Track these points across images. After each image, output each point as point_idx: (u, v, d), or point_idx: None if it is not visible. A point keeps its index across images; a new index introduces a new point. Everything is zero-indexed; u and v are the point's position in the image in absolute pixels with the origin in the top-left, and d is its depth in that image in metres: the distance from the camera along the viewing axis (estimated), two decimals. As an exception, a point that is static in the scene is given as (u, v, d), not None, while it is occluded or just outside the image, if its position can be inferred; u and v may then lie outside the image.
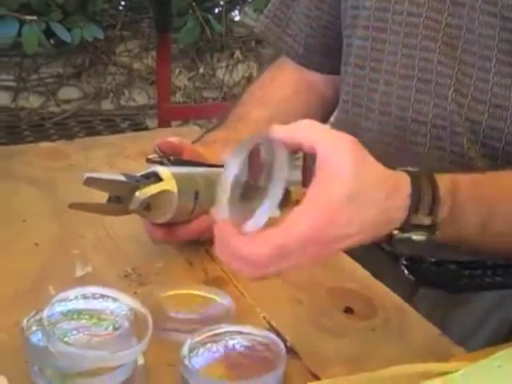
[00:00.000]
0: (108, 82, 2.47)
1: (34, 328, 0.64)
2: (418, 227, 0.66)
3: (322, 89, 1.05)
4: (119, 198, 0.78)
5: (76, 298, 0.65)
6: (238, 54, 2.59)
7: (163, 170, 0.79)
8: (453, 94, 0.82)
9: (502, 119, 0.81)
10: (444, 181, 0.68)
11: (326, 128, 0.64)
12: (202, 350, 0.66)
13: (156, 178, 0.79)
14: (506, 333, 0.87)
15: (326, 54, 1.02)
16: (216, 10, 2.49)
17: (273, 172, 0.63)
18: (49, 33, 2.12)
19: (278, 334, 0.72)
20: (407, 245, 0.67)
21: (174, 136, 1.26)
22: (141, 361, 0.64)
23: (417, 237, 0.66)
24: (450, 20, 0.82)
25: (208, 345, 0.66)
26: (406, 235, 0.66)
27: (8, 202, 1.01)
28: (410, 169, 0.68)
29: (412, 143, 0.86)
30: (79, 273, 0.83)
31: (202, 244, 0.88)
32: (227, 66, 2.60)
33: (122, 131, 2.10)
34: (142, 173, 0.79)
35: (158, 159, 0.83)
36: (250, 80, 2.64)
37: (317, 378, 0.67)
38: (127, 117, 2.36)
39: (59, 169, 1.13)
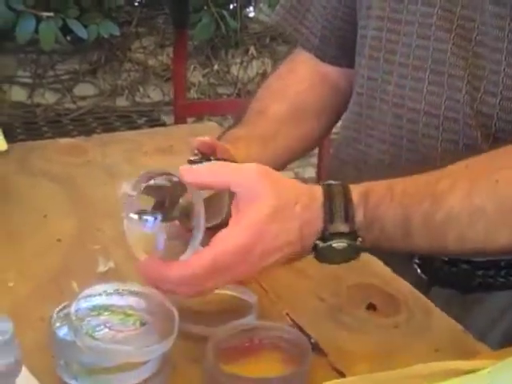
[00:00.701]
0: (123, 79, 2.47)
1: (60, 323, 0.65)
2: (338, 235, 0.67)
3: (336, 81, 1.04)
4: (163, 204, 0.75)
5: (103, 293, 0.65)
6: (252, 50, 2.58)
7: None
8: (466, 86, 0.82)
9: None
10: (357, 187, 0.69)
11: (235, 166, 0.69)
12: (226, 346, 0.66)
13: None
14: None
15: (341, 47, 1.02)
16: (231, 7, 2.49)
17: (193, 210, 0.67)
18: (65, 29, 2.12)
19: (302, 331, 0.72)
20: (332, 253, 0.68)
21: (191, 133, 1.28)
22: (166, 356, 0.64)
23: (337, 244, 0.67)
24: (464, 12, 0.82)
25: (233, 341, 0.67)
26: (326, 244, 0.67)
27: (28, 198, 1.02)
28: (329, 182, 0.70)
29: (424, 136, 0.86)
30: (102, 268, 0.84)
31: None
32: (242, 63, 2.60)
33: (139, 127, 2.10)
34: None
35: (199, 160, 0.83)
36: (264, 76, 2.64)
37: (342, 374, 0.67)
38: (143, 113, 2.36)
39: (77, 165, 1.14)
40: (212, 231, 0.75)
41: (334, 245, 0.67)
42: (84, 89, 2.46)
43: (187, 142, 1.21)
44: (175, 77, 2.07)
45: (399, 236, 0.69)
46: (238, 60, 2.59)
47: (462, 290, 0.87)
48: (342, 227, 0.67)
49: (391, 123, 0.88)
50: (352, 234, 0.68)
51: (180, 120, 2.01)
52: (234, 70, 2.60)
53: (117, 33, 2.17)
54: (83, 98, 2.45)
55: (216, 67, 2.56)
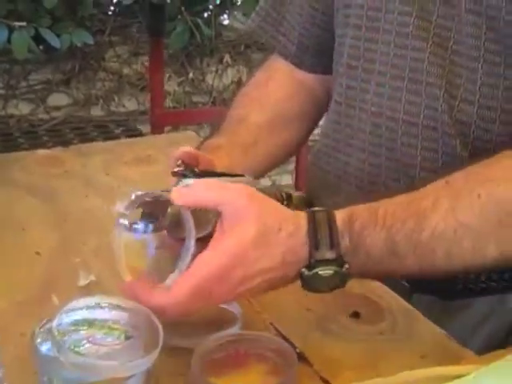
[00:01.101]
0: (98, 88, 2.45)
1: (42, 338, 0.64)
2: (325, 262, 0.67)
3: (313, 88, 1.05)
4: (152, 215, 0.75)
5: (85, 307, 0.64)
6: (227, 58, 2.58)
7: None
8: (444, 95, 0.82)
9: (492, 120, 0.81)
10: (339, 212, 0.70)
11: (225, 185, 0.69)
12: (211, 358, 0.66)
13: None
14: (502, 338, 0.87)
15: (318, 54, 1.02)
16: (205, 15, 2.48)
17: (184, 231, 0.68)
18: (38, 39, 2.10)
19: (287, 341, 0.71)
20: (319, 281, 0.68)
21: (169, 142, 1.28)
22: (151, 371, 0.64)
23: (324, 272, 0.67)
24: (440, 21, 0.82)
25: (218, 352, 0.66)
26: (312, 272, 0.67)
27: (7, 211, 1.01)
28: (313, 209, 0.70)
29: (403, 145, 0.86)
30: (83, 282, 0.83)
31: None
32: (217, 71, 2.60)
33: (117, 137, 2.09)
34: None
35: (183, 172, 0.82)
36: (239, 84, 2.64)
37: (327, 383, 0.67)
38: (119, 123, 2.35)
39: (56, 176, 1.12)
40: (200, 241, 0.76)
41: (320, 272, 0.67)
42: (58, 99, 2.44)
43: (166, 151, 1.23)
44: (152, 86, 2.06)
45: (386, 258, 0.69)
46: (213, 68, 2.59)
47: (444, 296, 0.88)
48: (328, 254, 0.67)
49: (370, 132, 0.89)
50: (338, 260, 0.67)
51: (157, 129, 2.00)
52: (209, 78, 2.60)
53: (90, 41, 2.15)
54: (57, 108, 2.43)
55: (191, 75, 2.55)
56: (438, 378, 0.63)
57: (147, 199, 0.71)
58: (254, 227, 0.66)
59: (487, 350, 0.75)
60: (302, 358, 0.70)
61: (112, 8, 2.43)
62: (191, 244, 0.67)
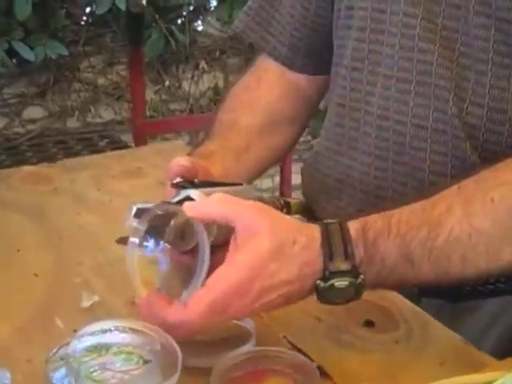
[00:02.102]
0: (73, 100, 2.41)
1: (54, 366, 0.61)
2: (340, 273, 0.67)
3: (305, 89, 1.03)
4: (155, 228, 0.73)
5: (100, 331, 0.62)
6: (203, 64, 2.56)
7: (196, 193, 0.76)
8: (453, 98, 0.82)
9: (501, 123, 0.81)
10: (353, 223, 0.69)
11: (237, 201, 0.68)
12: (230, 376, 0.64)
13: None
14: (512, 339, 0.87)
15: (309, 55, 1.01)
16: (179, 21, 2.46)
17: (198, 247, 0.67)
18: (11, 52, 2.07)
19: (303, 354, 0.70)
20: (334, 293, 0.67)
21: (158, 153, 1.25)
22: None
23: (339, 283, 0.67)
24: (446, 22, 0.81)
25: (237, 370, 0.64)
26: (328, 283, 0.67)
27: (-2, 231, 0.98)
28: (326, 221, 0.69)
29: (412, 148, 0.85)
30: (86, 303, 0.80)
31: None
32: (193, 77, 2.57)
33: (102, 150, 2.05)
34: (177, 199, 0.76)
35: (182, 184, 0.80)
36: (216, 90, 2.62)
37: (350, 396, 0.65)
38: (100, 134, 2.31)
39: (45, 193, 1.09)
40: (190, 254, 0.74)
41: (335, 284, 0.66)
42: (33, 112, 2.39)
43: (155, 163, 1.21)
44: (133, 96, 2.03)
45: (401, 267, 0.68)
46: (189, 75, 2.57)
47: (452, 299, 0.87)
48: (343, 265, 0.66)
49: (376, 135, 0.87)
50: (353, 272, 0.67)
51: (139, 139, 1.97)
52: (186, 85, 2.57)
53: (65, 53, 2.12)
54: (33, 120, 2.38)
55: (167, 83, 2.52)
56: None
57: (158, 213, 0.69)
58: (268, 241, 0.65)
59: (499, 351, 0.75)
60: (320, 371, 0.68)
61: (85, 18, 2.39)
62: (206, 258, 0.65)
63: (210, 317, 0.64)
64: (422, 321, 0.77)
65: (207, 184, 0.82)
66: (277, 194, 2.43)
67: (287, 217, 0.70)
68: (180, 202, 0.75)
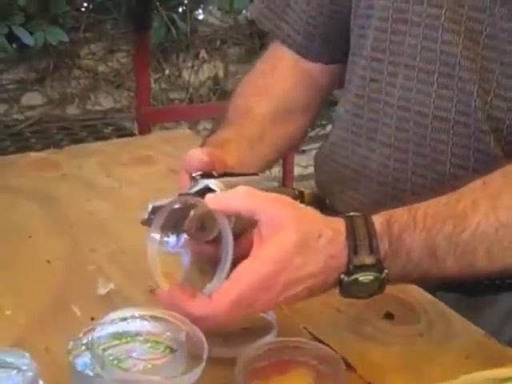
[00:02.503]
0: (73, 87, 2.39)
1: (76, 353, 0.60)
2: (364, 268, 0.66)
3: (318, 78, 1.02)
4: (176, 221, 0.72)
5: (124, 319, 0.61)
6: (203, 53, 2.54)
7: (216, 183, 0.74)
8: (478, 91, 0.81)
9: None
10: (377, 217, 0.68)
11: (261, 194, 0.67)
12: (254, 367, 0.63)
13: (211, 192, 0.75)
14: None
15: (324, 44, 0.99)
16: (180, 9, 2.44)
17: (221, 238, 0.66)
18: (11, 37, 2.04)
19: (325, 345, 0.69)
20: (358, 287, 0.67)
21: (166, 141, 1.24)
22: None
23: (363, 278, 0.66)
24: (471, 13, 0.80)
25: (261, 361, 0.63)
26: (352, 278, 0.66)
27: (9, 218, 0.96)
28: (349, 214, 0.69)
29: (433, 140, 0.85)
30: (102, 290, 0.79)
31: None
32: (193, 67, 2.56)
33: (107, 137, 2.03)
34: (195, 189, 0.75)
35: (201, 176, 0.79)
36: (216, 80, 2.61)
37: (376, 389, 0.65)
38: (98, 121, 2.29)
39: (53, 180, 1.08)
40: (210, 244, 0.73)
41: (360, 278, 0.66)
42: (32, 98, 2.37)
43: (164, 150, 1.19)
44: (138, 83, 2.00)
45: (426, 261, 0.68)
46: (189, 64, 2.55)
47: (469, 293, 0.86)
48: (367, 259, 0.66)
49: (396, 127, 0.86)
50: (378, 266, 0.66)
51: (143, 127, 1.95)
52: (186, 74, 2.56)
53: (65, 39, 2.10)
54: (32, 107, 2.36)
55: (167, 72, 2.50)
56: (492, 381, 0.61)
57: (177, 206, 0.68)
58: (293, 234, 0.64)
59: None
60: (344, 363, 0.67)
61: (85, 4, 2.37)
62: (230, 250, 0.64)
63: (236, 310, 0.63)
64: (442, 313, 0.76)
65: (225, 175, 0.81)
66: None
67: (311, 209, 0.69)
68: (199, 193, 0.74)
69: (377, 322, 0.75)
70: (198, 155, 0.79)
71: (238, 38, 2.59)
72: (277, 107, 0.99)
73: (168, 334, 0.60)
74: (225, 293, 0.62)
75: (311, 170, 3.22)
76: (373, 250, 0.66)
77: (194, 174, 0.78)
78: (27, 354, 0.56)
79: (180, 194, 0.74)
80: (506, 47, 0.78)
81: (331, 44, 0.99)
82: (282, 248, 0.64)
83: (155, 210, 0.70)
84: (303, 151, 2.56)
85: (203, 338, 0.60)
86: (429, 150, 0.84)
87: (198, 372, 0.58)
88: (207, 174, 0.79)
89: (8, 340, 0.69)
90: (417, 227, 0.68)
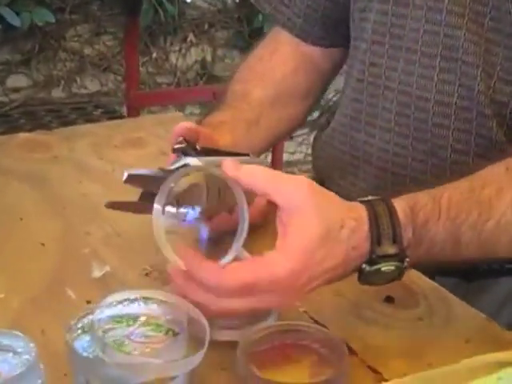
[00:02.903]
0: (58, 69, 2.35)
1: (75, 335, 0.59)
2: (387, 257, 0.65)
3: (319, 62, 1.01)
4: (153, 194, 0.71)
5: (124, 301, 0.59)
6: (191, 37, 2.51)
7: (196, 161, 0.74)
8: (481, 74, 0.80)
9: None
10: (400, 203, 0.66)
11: (281, 176, 0.64)
12: (256, 350, 0.62)
13: None
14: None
15: (325, 27, 0.98)
16: (168, -8, 2.40)
17: (238, 210, 0.64)
18: (-4, 17, 2.00)
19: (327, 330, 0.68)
20: (379, 276, 0.66)
21: (158, 123, 1.22)
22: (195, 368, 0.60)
23: (386, 268, 0.65)
24: None
25: (263, 344, 0.62)
26: (374, 267, 0.65)
27: (-1, 199, 0.94)
28: (368, 198, 0.67)
29: (434, 125, 0.84)
30: (97, 273, 0.78)
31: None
32: (180, 50, 2.53)
33: (96, 119, 2.01)
34: (175, 166, 0.74)
35: (184, 148, 0.78)
36: (203, 64, 2.58)
37: (378, 373, 0.64)
38: (86, 104, 2.26)
39: (44, 161, 1.06)
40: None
41: (382, 268, 0.65)
42: (17, 80, 2.33)
43: (156, 132, 1.18)
44: (127, 67, 1.98)
45: (449, 249, 0.67)
46: (177, 47, 2.52)
47: (467, 278, 0.86)
48: (390, 249, 0.64)
49: (397, 112, 0.86)
50: (400, 255, 0.65)
51: (133, 111, 1.92)
52: (173, 57, 2.53)
53: (52, 20, 2.07)
54: (16, 89, 2.32)
55: (155, 55, 2.47)
56: (493, 364, 0.60)
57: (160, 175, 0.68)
58: (317, 226, 0.62)
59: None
60: (346, 347, 0.66)
61: (72, -15, 2.33)
62: (246, 222, 0.63)
63: (243, 294, 0.61)
64: (442, 298, 0.76)
65: (210, 151, 0.80)
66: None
67: (332, 194, 0.66)
68: (177, 170, 0.74)
69: (377, 305, 0.74)
70: (182, 124, 0.78)
71: (226, 21, 2.56)
72: (276, 91, 0.98)
73: (169, 316, 0.59)
74: (238, 272, 0.60)
75: (299, 156, 3.22)
76: (396, 239, 0.65)
77: (175, 145, 0.77)
78: (24, 336, 0.55)
79: (159, 169, 0.73)
80: (511, 30, 0.77)
81: (332, 27, 0.98)
82: (308, 245, 0.62)
83: (130, 177, 0.70)
84: (291, 137, 2.55)
85: (205, 322, 0.59)
86: (430, 135, 0.84)
87: (200, 356, 0.57)
88: (190, 146, 0.78)
89: (2, 323, 0.68)
90: (441, 217, 0.67)
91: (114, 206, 0.74)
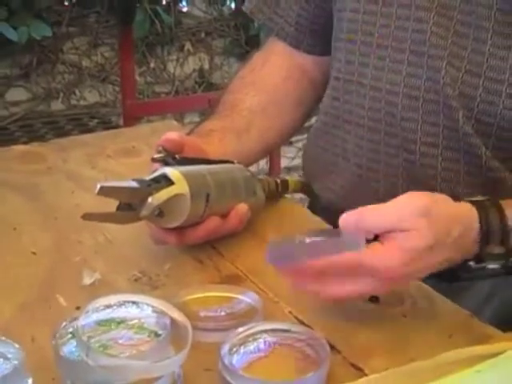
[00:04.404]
0: (57, 82, 2.38)
1: (63, 341, 0.60)
2: (492, 256, 0.70)
3: (311, 72, 1.03)
4: (130, 205, 0.73)
5: (108, 306, 0.61)
6: (188, 46, 2.53)
7: (173, 172, 0.75)
8: (446, 67, 0.81)
9: (498, 93, 0.80)
10: (509, 206, 0.71)
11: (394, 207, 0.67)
12: (241, 349, 0.63)
13: (166, 180, 0.75)
14: (507, 317, 0.87)
15: (316, 35, 1.00)
16: (164, 2, 2.43)
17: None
18: (-6, 33, 2.03)
19: (310, 329, 0.69)
20: (484, 273, 0.71)
21: (152, 133, 1.24)
22: (179, 369, 0.61)
23: (492, 265, 0.70)
24: None
25: (247, 344, 0.64)
26: (481, 265, 0.70)
27: (-8, 210, 0.96)
28: (477, 199, 0.71)
29: (403, 119, 0.85)
30: (87, 280, 0.79)
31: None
32: (178, 59, 2.55)
33: (92, 130, 2.03)
34: (152, 176, 0.75)
35: (163, 158, 0.79)
36: (201, 72, 2.60)
37: (360, 370, 0.65)
38: (84, 116, 2.28)
39: (38, 172, 1.08)
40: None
41: (489, 266, 0.69)
42: (16, 94, 2.36)
43: (149, 142, 1.19)
44: (123, 76, 2.00)
45: None
46: (174, 57, 2.54)
47: (448, 279, 0.87)
48: (497, 249, 0.69)
49: (369, 107, 0.87)
50: (507, 255, 0.70)
51: (129, 121, 1.94)
52: (171, 67, 2.55)
53: (49, 34, 2.10)
54: (16, 103, 2.35)
55: (152, 65, 2.50)
56: (473, 357, 0.62)
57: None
58: (428, 236, 0.65)
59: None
60: (329, 345, 0.68)
61: (69, -2, 2.36)
62: None
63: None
64: (426, 295, 0.77)
65: (189, 161, 0.81)
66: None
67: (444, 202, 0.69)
68: (155, 180, 0.75)
69: (361, 304, 0.75)
70: (166, 135, 0.80)
71: (222, 29, 2.59)
72: (266, 99, 0.99)
73: (152, 319, 0.61)
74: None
75: (298, 161, 3.23)
76: (504, 241, 0.69)
77: (155, 156, 0.79)
78: (13, 343, 0.56)
79: (134, 179, 0.74)
80: (482, 23, 0.79)
81: (323, 35, 0.99)
82: (417, 249, 0.65)
83: (103, 190, 0.72)
84: (290, 143, 2.56)
85: (188, 323, 0.60)
86: (399, 128, 0.85)
87: (183, 356, 0.59)
88: (169, 156, 0.80)
89: (-6, 331, 0.69)
90: None
91: (90, 217, 0.75)
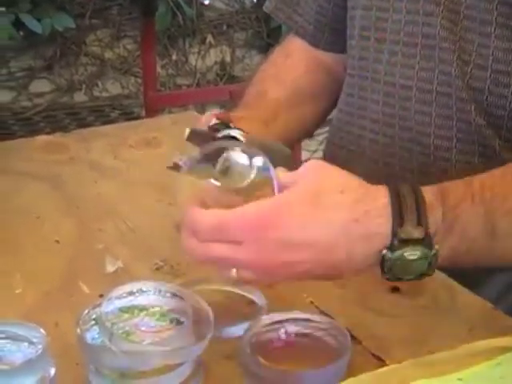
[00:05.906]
0: (80, 74, 2.40)
1: (86, 327, 0.61)
2: (410, 242, 0.59)
3: (331, 67, 1.03)
4: (208, 156, 0.71)
5: (131, 293, 0.61)
6: (210, 38, 2.54)
7: (237, 132, 0.75)
8: (457, 60, 0.81)
9: (505, 85, 0.80)
10: (428, 188, 0.62)
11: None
12: (262, 338, 0.63)
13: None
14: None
15: (335, 33, 1.00)
16: (186, -6, 2.43)
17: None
18: (17, 24, 2.05)
19: (331, 319, 0.69)
20: (404, 266, 0.60)
21: (173, 123, 1.25)
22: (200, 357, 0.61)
23: (411, 254, 0.59)
24: None
25: (268, 333, 0.64)
26: (397, 253, 0.59)
27: (16, 199, 0.97)
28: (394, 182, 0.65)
29: (417, 113, 0.85)
30: (110, 268, 0.80)
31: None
32: (199, 52, 2.55)
33: (114, 121, 2.04)
34: (221, 134, 0.75)
35: (217, 126, 0.79)
36: (223, 65, 2.61)
37: (381, 360, 0.65)
38: (114, 107, 2.29)
39: (61, 162, 1.09)
40: None
41: (406, 254, 0.58)
42: (40, 85, 2.38)
43: (171, 132, 1.20)
44: (144, 68, 2.01)
45: (481, 242, 0.62)
46: (196, 49, 2.55)
47: (460, 274, 0.86)
48: (415, 232, 0.58)
49: (384, 102, 0.88)
50: (426, 240, 0.59)
51: (151, 112, 1.95)
52: (192, 59, 2.55)
53: (72, 25, 2.11)
54: (40, 94, 2.37)
55: (174, 57, 2.50)
56: (493, 349, 0.61)
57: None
58: (307, 182, 0.60)
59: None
60: (350, 335, 0.68)
61: (91, -10, 2.37)
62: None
63: (217, 236, 0.60)
64: (447, 286, 0.76)
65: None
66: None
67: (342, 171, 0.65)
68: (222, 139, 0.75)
69: (383, 295, 0.75)
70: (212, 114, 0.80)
71: (244, 22, 2.59)
72: (289, 92, 1.00)
73: (174, 306, 0.61)
74: (213, 212, 0.60)
75: (319, 154, 3.24)
76: (421, 220, 0.58)
77: (211, 124, 0.78)
78: (38, 328, 0.57)
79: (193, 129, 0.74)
80: (485, 16, 0.79)
81: (341, 33, 0.99)
82: (287, 196, 0.60)
83: (192, 133, 0.72)
84: (312, 136, 2.55)
85: (209, 310, 0.61)
86: (413, 122, 0.85)
87: (204, 343, 0.59)
88: (225, 124, 0.79)
89: (19, 316, 0.70)
90: (474, 200, 0.61)
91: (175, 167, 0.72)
